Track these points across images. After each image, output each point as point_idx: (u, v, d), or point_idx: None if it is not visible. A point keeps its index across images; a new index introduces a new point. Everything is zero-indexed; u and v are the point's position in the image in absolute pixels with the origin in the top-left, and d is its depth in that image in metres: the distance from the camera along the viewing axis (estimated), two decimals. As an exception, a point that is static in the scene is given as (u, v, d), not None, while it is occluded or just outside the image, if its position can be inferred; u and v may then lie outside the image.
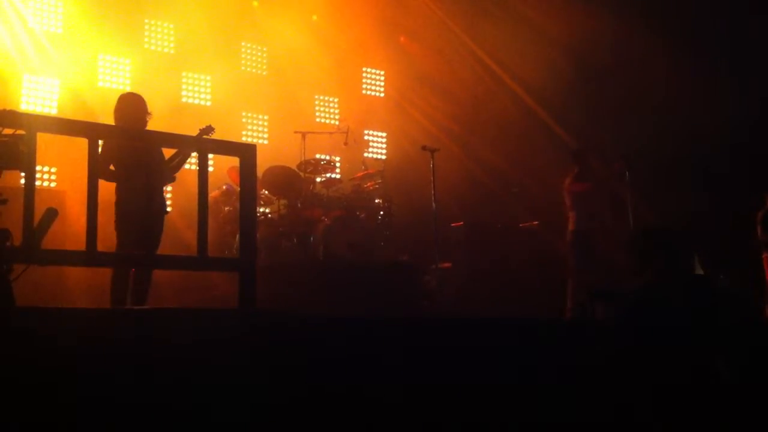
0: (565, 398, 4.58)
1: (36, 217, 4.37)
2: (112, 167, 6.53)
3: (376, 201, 10.00)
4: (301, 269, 8.87)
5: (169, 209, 9.99)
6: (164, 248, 6.79)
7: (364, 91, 12.86)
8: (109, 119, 6.71)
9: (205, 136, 6.97)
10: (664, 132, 11.19)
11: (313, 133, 10.12)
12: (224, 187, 9.18)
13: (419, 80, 12.37)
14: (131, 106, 6.68)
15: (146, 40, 10.86)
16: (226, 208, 9.06)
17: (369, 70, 12.94)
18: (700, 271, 4.52)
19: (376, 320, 5.43)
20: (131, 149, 6.48)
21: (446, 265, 9.60)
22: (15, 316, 3.86)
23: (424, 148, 9.18)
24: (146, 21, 10.85)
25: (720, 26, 10.76)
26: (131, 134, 6.38)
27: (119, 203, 6.51)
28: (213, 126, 7.19)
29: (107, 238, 6.25)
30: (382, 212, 9.90)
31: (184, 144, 6.31)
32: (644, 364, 4.25)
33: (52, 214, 4.45)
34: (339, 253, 9.02)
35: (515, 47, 11.76)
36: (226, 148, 5.53)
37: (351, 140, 10.24)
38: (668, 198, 10.66)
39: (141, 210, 6.40)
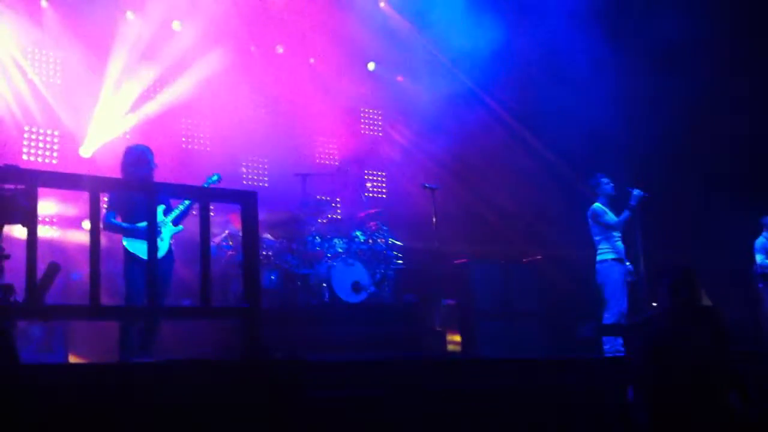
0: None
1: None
2: (118, 218, 6.59)
3: (379, 240, 9.99)
4: (306, 311, 8.85)
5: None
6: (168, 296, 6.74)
7: (362, 131, 12.89)
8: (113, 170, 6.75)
9: (211, 185, 6.99)
10: (666, 154, 11.18)
11: (313, 174, 10.14)
12: (227, 231, 9.17)
13: (417, 118, 12.38)
14: (138, 158, 6.76)
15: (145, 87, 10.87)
16: (229, 253, 9.05)
17: (367, 109, 12.98)
18: (708, 302, 4.55)
19: (381, 362, 5.40)
20: (137, 199, 6.50)
21: (451, 302, 9.55)
22: (19, 373, 3.83)
23: (424, 186, 9.19)
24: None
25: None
26: (133, 186, 6.38)
27: (127, 253, 6.53)
28: (220, 174, 7.16)
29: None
30: (384, 251, 9.88)
31: (185, 194, 6.31)
32: (658, 396, 4.24)
33: (54, 268, 4.44)
34: (343, 293, 8.99)
35: (509, 79, 11.81)
36: (227, 196, 5.52)
37: (351, 180, 10.26)
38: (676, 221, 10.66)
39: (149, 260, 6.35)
